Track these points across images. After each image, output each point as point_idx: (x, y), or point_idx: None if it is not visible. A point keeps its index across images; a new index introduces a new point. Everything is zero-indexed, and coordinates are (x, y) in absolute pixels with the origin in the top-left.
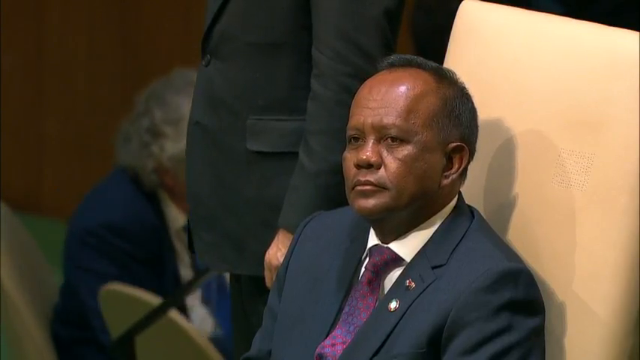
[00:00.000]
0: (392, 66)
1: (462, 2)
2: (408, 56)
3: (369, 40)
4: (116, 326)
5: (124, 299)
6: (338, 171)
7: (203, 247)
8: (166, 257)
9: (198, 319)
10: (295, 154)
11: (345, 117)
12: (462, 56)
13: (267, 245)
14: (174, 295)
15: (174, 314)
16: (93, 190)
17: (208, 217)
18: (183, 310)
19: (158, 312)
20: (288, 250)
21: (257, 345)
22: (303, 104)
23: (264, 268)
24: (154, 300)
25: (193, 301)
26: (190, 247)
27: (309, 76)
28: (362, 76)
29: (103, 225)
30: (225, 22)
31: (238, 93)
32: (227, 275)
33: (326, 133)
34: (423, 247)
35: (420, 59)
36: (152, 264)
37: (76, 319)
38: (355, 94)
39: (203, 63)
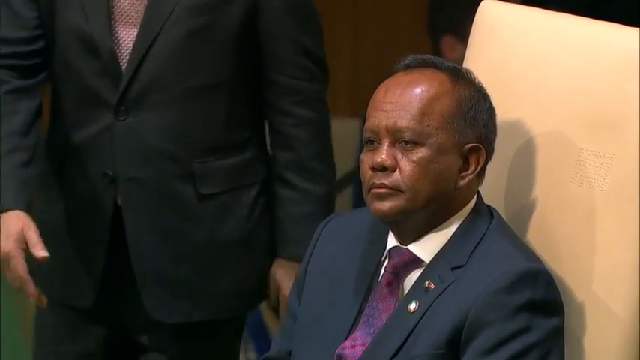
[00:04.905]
0: (408, 67)
1: (482, 2)
2: (425, 57)
3: (323, 52)
4: None
5: None
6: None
7: (153, 303)
8: None
9: None
10: (245, 186)
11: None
12: (481, 56)
13: (221, 286)
14: None
15: None
16: None
17: (155, 272)
18: None
19: None
20: (307, 251)
21: (277, 345)
22: (237, 138)
23: (224, 310)
24: None
25: None
26: (141, 307)
27: (244, 109)
28: (326, 88)
29: None
30: (151, 73)
31: (179, 140)
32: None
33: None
34: (442, 248)
35: (437, 59)
36: None
37: None
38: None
39: (120, 118)
